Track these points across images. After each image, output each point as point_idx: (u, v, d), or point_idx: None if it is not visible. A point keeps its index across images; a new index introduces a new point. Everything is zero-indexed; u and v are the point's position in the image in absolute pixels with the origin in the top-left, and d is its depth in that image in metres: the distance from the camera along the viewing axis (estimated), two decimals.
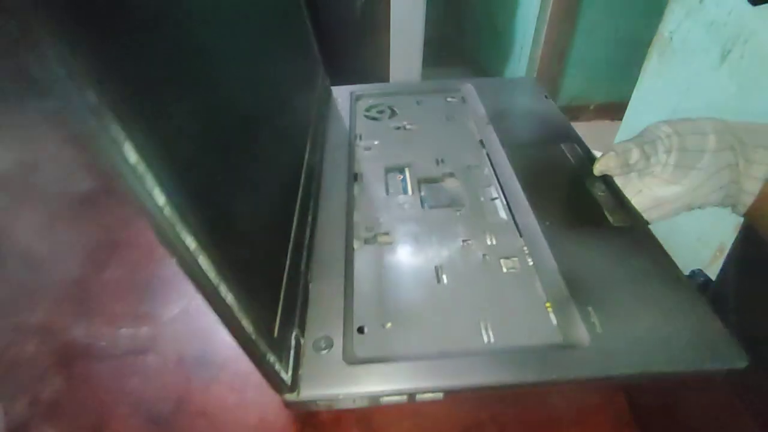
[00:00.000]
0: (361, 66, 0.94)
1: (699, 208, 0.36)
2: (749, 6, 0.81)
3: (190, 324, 0.32)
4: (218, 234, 0.19)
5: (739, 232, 0.43)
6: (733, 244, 0.45)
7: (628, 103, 1.17)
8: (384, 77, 1.00)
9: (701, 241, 0.94)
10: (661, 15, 1.03)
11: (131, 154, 0.14)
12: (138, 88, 0.16)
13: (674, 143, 0.33)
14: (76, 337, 0.32)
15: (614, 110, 1.78)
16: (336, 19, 0.88)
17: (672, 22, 1.00)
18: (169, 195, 0.15)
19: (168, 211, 0.16)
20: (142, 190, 0.15)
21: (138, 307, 0.34)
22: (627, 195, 0.35)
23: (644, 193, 0.36)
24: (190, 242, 0.16)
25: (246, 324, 0.20)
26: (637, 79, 1.13)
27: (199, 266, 0.17)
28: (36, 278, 0.36)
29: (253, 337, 0.20)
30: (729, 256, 0.45)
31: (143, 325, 0.32)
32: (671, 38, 1.01)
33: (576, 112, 1.89)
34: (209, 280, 0.18)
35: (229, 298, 0.18)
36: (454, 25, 2.61)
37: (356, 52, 0.93)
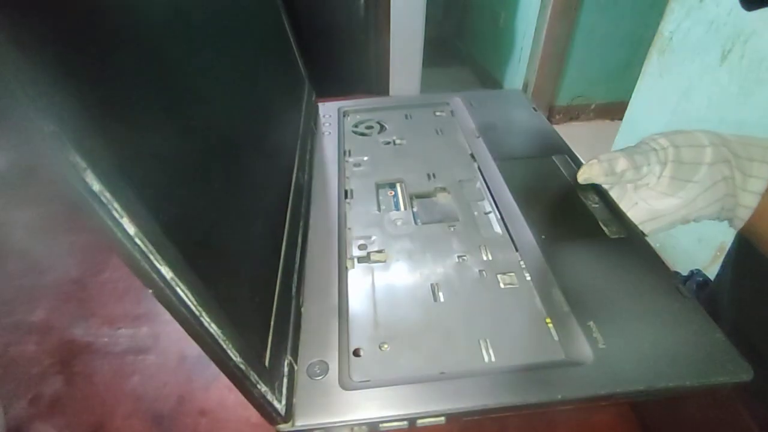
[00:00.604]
0: (361, 67, 0.94)
1: (695, 221, 0.36)
2: None
3: None
4: (198, 262, 0.18)
5: (733, 242, 0.43)
6: (728, 253, 0.45)
7: (628, 103, 1.18)
8: (384, 79, 1.00)
9: (702, 242, 0.94)
10: (661, 15, 1.03)
11: (94, 183, 0.13)
12: (100, 112, 0.15)
13: (669, 155, 0.33)
14: (76, 336, 0.32)
15: (614, 110, 1.79)
16: (336, 20, 0.88)
17: (672, 22, 1.00)
18: (140, 224, 0.15)
19: (140, 241, 0.15)
20: (109, 218, 0.14)
21: (137, 306, 0.34)
22: (623, 208, 0.35)
23: (640, 205, 0.36)
24: (167, 272, 0.16)
25: (233, 354, 0.19)
26: (637, 79, 1.13)
27: (179, 297, 0.16)
28: (36, 278, 0.36)
29: (242, 367, 0.19)
30: (724, 265, 0.45)
31: (143, 324, 0.32)
32: (671, 38, 1.01)
33: (576, 112, 1.89)
34: (191, 311, 0.17)
35: (213, 328, 0.18)
36: (454, 26, 2.62)
37: (356, 52, 0.93)
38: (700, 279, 0.49)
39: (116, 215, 0.14)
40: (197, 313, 0.17)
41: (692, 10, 0.94)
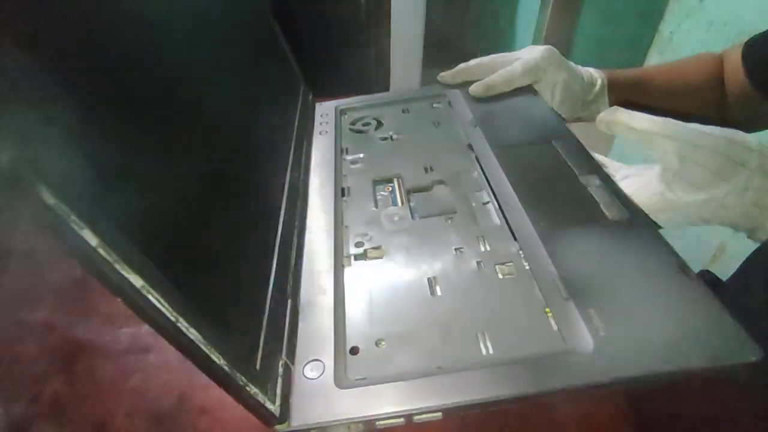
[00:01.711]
0: (361, 67, 0.94)
1: (707, 223, 0.35)
2: (749, 6, 0.81)
3: None
4: (174, 267, 0.17)
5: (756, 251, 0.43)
6: (747, 260, 0.44)
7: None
8: (385, 79, 1.00)
9: (701, 241, 0.94)
10: (661, 15, 1.03)
11: (47, 196, 0.13)
12: (52, 107, 0.14)
13: (720, 145, 0.32)
14: (78, 335, 0.32)
15: None
16: (337, 20, 0.89)
17: (672, 22, 1.00)
18: (102, 234, 0.14)
19: (104, 250, 0.14)
20: (68, 230, 0.13)
21: None
22: (643, 194, 0.34)
23: (665, 195, 0.34)
24: (136, 281, 0.15)
25: (216, 358, 0.18)
26: None
27: (151, 304, 0.16)
28: (37, 277, 0.36)
29: (227, 369, 0.19)
30: (742, 271, 0.44)
31: (144, 323, 0.33)
32: (671, 38, 1.01)
33: None
34: (165, 317, 0.16)
35: (193, 332, 0.17)
36: (454, 26, 2.61)
37: (357, 52, 0.93)
38: (710, 279, 0.49)
39: (75, 227, 0.13)
40: (173, 319, 0.17)
41: (692, 10, 0.94)
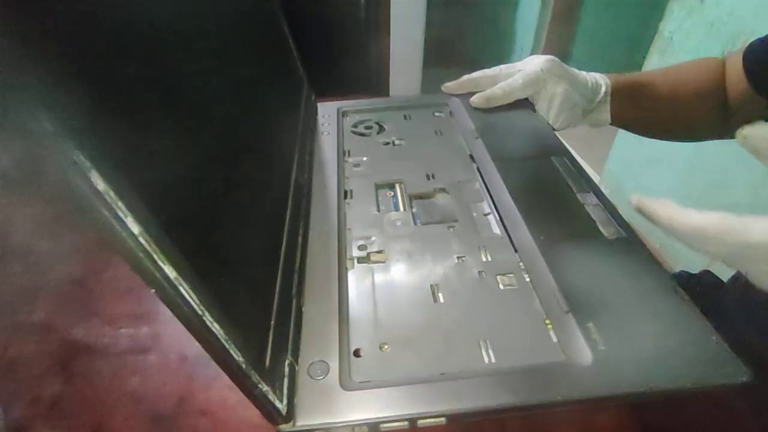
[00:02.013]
0: (361, 67, 0.94)
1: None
2: (749, 6, 0.81)
3: None
4: (201, 261, 0.18)
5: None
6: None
7: None
8: (384, 79, 1.00)
9: None
10: (661, 15, 1.03)
11: (99, 182, 0.13)
12: (102, 111, 0.15)
13: None
14: (77, 336, 0.32)
15: None
16: (336, 20, 0.89)
17: (672, 22, 1.00)
18: (144, 223, 0.15)
19: (144, 240, 0.15)
20: (114, 218, 0.14)
21: (138, 306, 0.34)
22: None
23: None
24: (170, 272, 0.16)
25: (235, 354, 0.19)
26: None
27: (182, 296, 0.16)
28: (36, 278, 0.36)
29: (244, 367, 0.19)
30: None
31: (144, 324, 0.32)
32: (672, 38, 1.01)
33: None
34: (194, 311, 0.17)
35: (216, 328, 0.18)
36: (454, 26, 2.62)
37: (356, 53, 0.93)
38: (712, 280, 0.49)
39: (120, 214, 0.14)
40: (200, 312, 0.17)
41: (692, 10, 0.94)
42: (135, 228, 0.14)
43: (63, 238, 0.40)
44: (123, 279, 0.36)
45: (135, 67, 0.18)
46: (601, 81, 0.46)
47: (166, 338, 0.32)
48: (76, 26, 0.14)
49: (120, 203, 0.14)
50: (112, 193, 0.14)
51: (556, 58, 0.46)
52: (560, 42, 1.68)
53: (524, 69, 0.47)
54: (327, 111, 0.51)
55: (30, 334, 0.32)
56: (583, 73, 0.47)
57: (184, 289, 0.16)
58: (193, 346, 0.31)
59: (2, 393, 0.28)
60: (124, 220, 0.14)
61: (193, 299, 0.17)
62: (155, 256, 0.15)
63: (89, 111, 0.14)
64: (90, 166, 0.13)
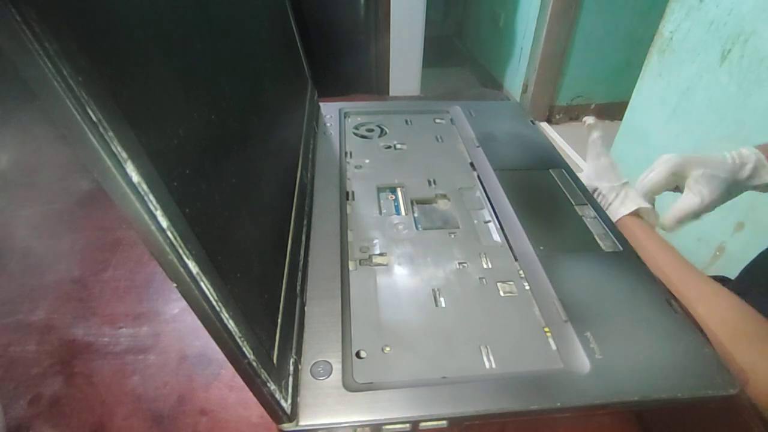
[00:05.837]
0: (361, 66, 0.94)
1: None
2: (749, 6, 0.81)
3: (191, 323, 0.32)
4: (219, 258, 0.18)
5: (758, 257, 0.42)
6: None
7: (628, 103, 1.17)
8: (384, 79, 1.00)
9: (701, 241, 0.94)
10: (661, 15, 1.03)
11: (134, 174, 0.14)
12: (139, 107, 0.15)
13: None
14: (77, 336, 0.32)
15: (614, 110, 1.78)
16: (337, 20, 0.88)
17: (672, 22, 1.00)
18: (171, 217, 0.15)
19: (171, 234, 0.15)
20: (145, 210, 0.14)
21: (138, 306, 0.34)
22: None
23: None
24: (193, 267, 0.16)
25: (247, 351, 0.19)
26: (637, 79, 1.13)
27: (202, 291, 0.16)
28: (37, 278, 0.36)
29: (255, 364, 0.19)
30: (750, 274, 0.44)
31: (144, 324, 0.32)
32: (671, 38, 1.01)
33: (576, 112, 1.89)
34: (212, 307, 0.17)
35: (231, 325, 0.18)
36: (454, 26, 2.61)
37: (357, 52, 0.93)
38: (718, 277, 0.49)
39: (152, 207, 0.14)
40: (218, 309, 0.17)
41: (692, 10, 0.94)
42: (164, 222, 0.15)
43: (63, 237, 0.40)
44: (123, 279, 0.36)
45: (168, 67, 0.18)
46: (747, 153, 0.45)
47: (166, 338, 0.32)
48: (118, 31, 0.15)
49: (151, 196, 0.14)
50: (145, 186, 0.14)
51: (683, 154, 0.44)
52: (560, 42, 1.68)
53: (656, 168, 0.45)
54: (328, 111, 0.51)
55: (30, 333, 0.32)
56: (722, 153, 0.45)
57: (205, 285, 0.16)
58: (192, 346, 0.31)
59: (2, 392, 0.28)
60: (155, 213, 0.14)
61: (212, 295, 0.17)
62: (180, 251, 0.15)
63: (128, 101, 0.14)
64: (126, 158, 0.13)
